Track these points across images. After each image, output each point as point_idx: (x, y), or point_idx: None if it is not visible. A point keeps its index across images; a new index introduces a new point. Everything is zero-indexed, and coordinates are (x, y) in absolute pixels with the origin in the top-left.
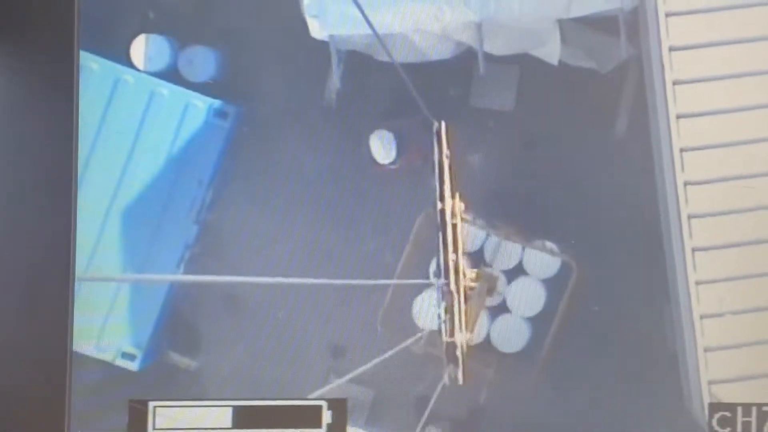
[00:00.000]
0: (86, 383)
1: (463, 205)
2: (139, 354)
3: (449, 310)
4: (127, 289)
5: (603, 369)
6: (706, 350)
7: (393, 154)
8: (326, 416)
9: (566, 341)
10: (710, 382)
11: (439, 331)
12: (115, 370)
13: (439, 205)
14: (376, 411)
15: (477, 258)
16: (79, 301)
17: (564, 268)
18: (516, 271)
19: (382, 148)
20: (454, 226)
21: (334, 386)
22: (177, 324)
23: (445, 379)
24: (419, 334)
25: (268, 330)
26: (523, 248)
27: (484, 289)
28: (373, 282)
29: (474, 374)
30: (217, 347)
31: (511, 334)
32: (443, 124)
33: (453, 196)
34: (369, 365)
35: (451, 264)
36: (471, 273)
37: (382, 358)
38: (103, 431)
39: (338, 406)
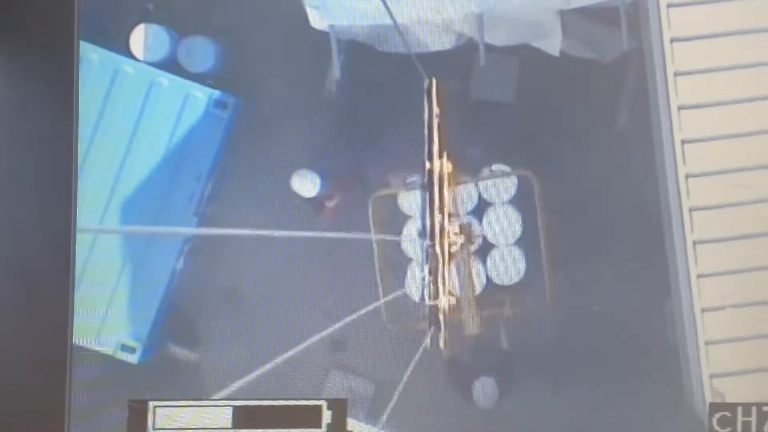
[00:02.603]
0: (86, 379)
1: (450, 166)
2: (138, 347)
3: (433, 272)
4: (127, 283)
5: (604, 363)
6: (707, 344)
7: (318, 187)
8: (326, 416)
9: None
10: (711, 376)
11: (423, 293)
12: (115, 365)
13: (427, 165)
14: (376, 402)
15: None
16: (78, 296)
17: (522, 183)
18: (481, 206)
19: (307, 182)
20: (441, 186)
21: (336, 378)
22: (177, 317)
23: (427, 343)
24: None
25: (268, 323)
26: (477, 184)
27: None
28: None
29: (491, 320)
30: (217, 339)
31: (507, 266)
32: (434, 81)
33: (441, 156)
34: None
35: (437, 225)
36: (455, 228)
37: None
38: (103, 429)
39: (338, 405)
